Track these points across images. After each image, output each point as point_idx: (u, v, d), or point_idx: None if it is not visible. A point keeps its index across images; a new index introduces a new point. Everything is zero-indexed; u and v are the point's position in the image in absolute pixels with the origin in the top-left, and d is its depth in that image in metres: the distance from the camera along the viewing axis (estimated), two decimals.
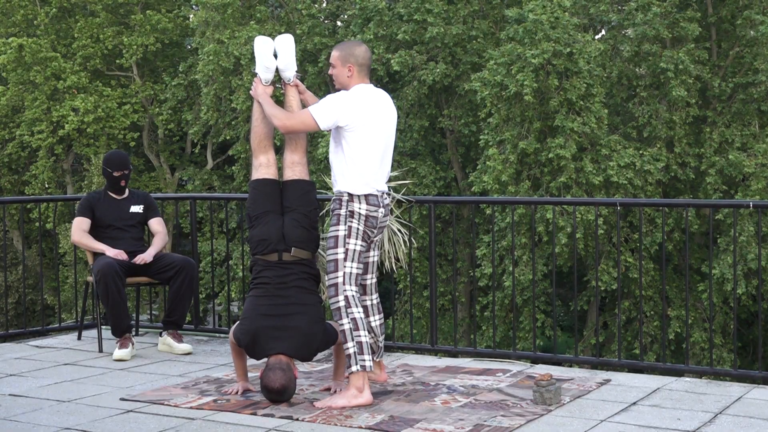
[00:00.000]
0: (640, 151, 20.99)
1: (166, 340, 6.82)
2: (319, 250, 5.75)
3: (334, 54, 5.38)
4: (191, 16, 28.70)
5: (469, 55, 22.84)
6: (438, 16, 22.23)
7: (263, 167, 5.64)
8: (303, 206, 5.52)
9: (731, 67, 22.23)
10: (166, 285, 6.85)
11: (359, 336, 5.22)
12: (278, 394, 5.19)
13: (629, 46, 21.47)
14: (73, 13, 29.50)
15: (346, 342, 5.24)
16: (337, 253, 5.29)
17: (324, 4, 27.28)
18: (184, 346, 6.77)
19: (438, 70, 22.22)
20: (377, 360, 5.68)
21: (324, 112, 5.27)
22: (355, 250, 5.31)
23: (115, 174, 6.91)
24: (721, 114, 21.90)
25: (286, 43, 5.65)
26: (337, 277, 5.27)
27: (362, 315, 5.28)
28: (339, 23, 26.91)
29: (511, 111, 20.85)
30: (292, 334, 5.27)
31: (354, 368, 5.20)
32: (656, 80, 21.43)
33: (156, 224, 7.04)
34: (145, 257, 6.68)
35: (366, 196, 5.33)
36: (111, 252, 6.65)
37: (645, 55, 21.35)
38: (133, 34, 27.55)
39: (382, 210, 5.40)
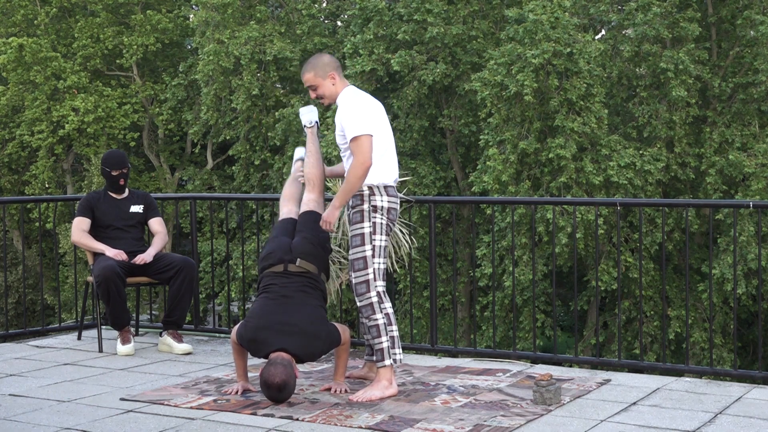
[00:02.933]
0: (640, 151, 21.00)
1: (166, 340, 6.81)
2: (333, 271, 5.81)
3: (308, 75, 5.45)
4: (191, 16, 28.72)
5: (469, 55, 22.84)
6: (438, 16, 22.23)
7: (284, 214, 5.84)
8: (314, 230, 5.61)
9: (731, 67, 22.23)
10: (165, 285, 6.85)
11: (392, 330, 5.35)
12: (278, 391, 5.18)
13: (629, 46, 21.47)
14: (73, 13, 29.51)
15: (379, 336, 5.32)
16: (365, 251, 5.34)
17: (324, 4, 27.29)
18: (184, 346, 6.76)
19: (438, 70, 22.21)
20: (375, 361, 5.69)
21: (364, 123, 5.32)
22: (380, 246, 5.38)
23: (114, 173, 6.89)
24: (721, 114, 21.90)
25: (313, 110, 5.93)
26: (368, 274, 5.33)
27: (392, 310, 5.38)
28: (339, 23, 26.92)
29: (511, 111, 20.85)
30: (295, 331, 5.28)
31: (387, 362, 5.31)
32: (656, 80, 21.44)
33: (156, 224, 7.03)
34: (145, 257, 6.68)
35: (386, 187, 5.41)
36: (110, 252, 6.65)
37: (645, 55, 21.36)
38: (133, 34, 27.56)
39: (397, 201, 5.51)
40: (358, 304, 5.38)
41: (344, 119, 5.36)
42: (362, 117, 5.34)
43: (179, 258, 6.81)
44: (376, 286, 5.34)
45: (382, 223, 5.39)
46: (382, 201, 5.39)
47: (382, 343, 5.32)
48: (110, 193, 6.98)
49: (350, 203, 5.43)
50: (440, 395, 5.37)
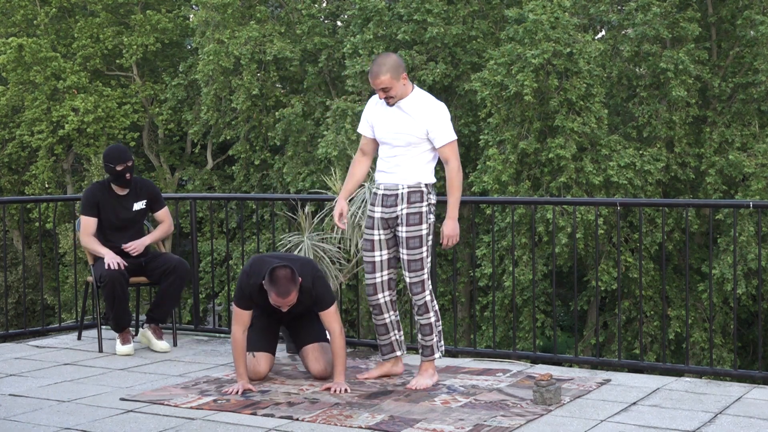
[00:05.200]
0: (640, 151, 21.00)
1: (146, 333, 6.79)
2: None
3: (384, 78, 5.40)
4: (191, 16, 28.70)
5: (469, 55, 22.84)
6: (438, 16, 22.23)
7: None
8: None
9: (731, 67, 22.23)
10: (157, 284, 6.82)
11: (439, 326, 5.62)
12: (287, 281, 5.36)
13: (629, 46, 21.47)
14: (73, 13, 29.49)
15: (430, 334, 5.58)
16: (422, 252, 5.51)
17: (324, 4, 27.27)
18: (162, 344, 6.72)
19: (438, 70, 22.21)
20: (400, 355, 5.84)
21: (451, 128, 5.57)
22: (431, 245, 5.59)
23: (119, 168, 6.68)
24: (721, 114, 21.89)
25: None
26: (423, 274, 5.52)
27: (438, 307, 5.66)
28: (339, 23, 26.91)
29: (511, 111, 20.85)
30: (289, 258, 5.64)
31: (437, 355, 5.61)
32: (656, 80, 21.43)
33: (162, 215, 6.96)
34: (137, 245, 6.65)
35: (433, 184, 5.65)
36: (109, 259, 6.52)
37: (645, 55, 21.35)
38: (133, 34, 27.54)
39: None
40: (414, 302, 5.57)
41: (436, 124, 5.47)
42: (449, 121, 5.55)
43: (175, 259, 6.75)
44: (428, 286, 5.55)
45: (431, 224, 5.57)
46: (432, 198, 5.60)
47: (432, 339, 5.59)
48: (114, 188, 6.79)
49: (409, 198, 5.52)
50: (440, 395, 5.37)
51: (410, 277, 5.51)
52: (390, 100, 5.48)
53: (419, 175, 5.52)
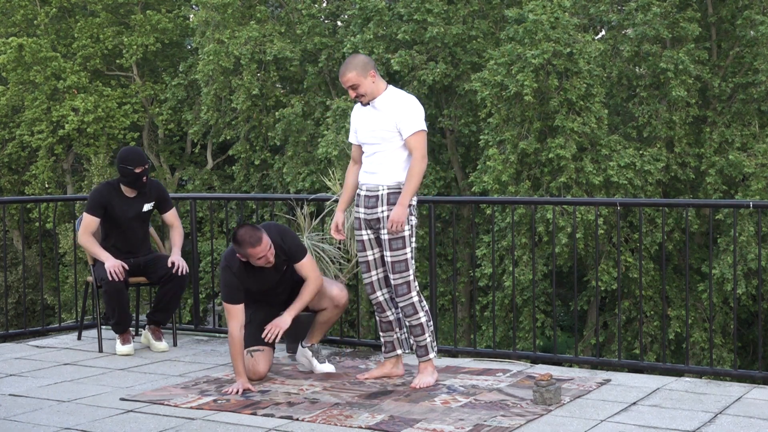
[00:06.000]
0: (640, 151, 21.00)
1: (147, 335, 6.90)
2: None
3: (351, 75, 5.43)
4: (191, 16, 28.70)
5: (469, 55, 22.83)
6: (438, 16, 22.23)
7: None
8: None
9: (731, 67, 22.22)
10: (157, 285, 6.85)
11: (431, 326, 5.61)
12: (253, 229, 5.54)
13: (629, 46, 21.46)
14: (73, 13, 29.50)
15: (423, 334, 5.57)
16: (406, 253, 5.48)
17: (324, 4, 27.28)
18: (161, 345, 6.79)
19: (438, 70, 22.21)
20: (400, 353, 5.83)
21: (421, 119, 5.48)
22: (414, 246, 5.55)
23: (137, 170, 6.58)
24: (721, 114, 21.89)
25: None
26: (409, 275, 5.49)
27: (427, 307, 5.65)
28: (339, 23, 26.91)
29: (511, 111, 20.84)
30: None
31: (432, 355, 5.59)
32: (656, 80, 21.43)
33: (171, 217, 6.90)
34: (184, 265, 6.66)
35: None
36: (109, 265, 6.48)
37: (645, 55, 21.35)
38: (133, 34, 27.55)
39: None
40: (400, 304, 5.53)
41: (403, 114, 5.44)
42: (418, 113, 5.48)
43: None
44: (415, 286, 5.53)
45: (413, 225, 5.53)
46: (413, 199, 5.52)
47: (425, 339, 5.58)
48: (124, 190, 6.71)
49: (389, 200, 5.48)
50: (440, 395, 5.37)
51: (395, 279, 5.50)
52: (362, 99, 5.50)
53: (399, 174, 5.48)
